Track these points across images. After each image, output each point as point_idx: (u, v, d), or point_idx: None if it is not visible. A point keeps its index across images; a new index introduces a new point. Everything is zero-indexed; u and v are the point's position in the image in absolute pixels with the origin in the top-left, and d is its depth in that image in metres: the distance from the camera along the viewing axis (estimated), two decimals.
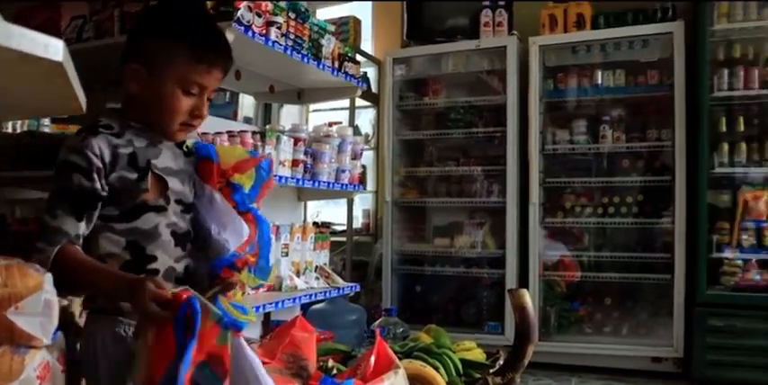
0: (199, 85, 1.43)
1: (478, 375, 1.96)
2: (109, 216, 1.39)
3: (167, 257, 1.43)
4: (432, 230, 4.80)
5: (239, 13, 2.42)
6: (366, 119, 5.50)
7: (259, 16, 2.55)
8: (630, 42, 4.14)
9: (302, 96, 3.62)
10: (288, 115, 4.70)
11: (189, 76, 1.41)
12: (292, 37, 2.82)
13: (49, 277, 1.11)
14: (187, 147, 1.54)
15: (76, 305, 2.17)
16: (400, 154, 4.73)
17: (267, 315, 3.02)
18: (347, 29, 4.88)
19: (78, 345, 1.43)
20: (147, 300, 1.19)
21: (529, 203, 4.21)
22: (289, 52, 2.77)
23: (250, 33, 2.47)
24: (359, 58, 3.98)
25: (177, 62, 1.40)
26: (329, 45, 3.14)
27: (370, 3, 5.39)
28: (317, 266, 3.18)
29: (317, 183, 3.01)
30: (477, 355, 2.19)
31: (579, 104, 4.39)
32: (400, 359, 1.70)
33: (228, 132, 2.62)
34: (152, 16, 1.55)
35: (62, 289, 1.33)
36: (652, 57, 4.14)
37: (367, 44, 5.37)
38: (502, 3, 4.41)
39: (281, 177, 2.71)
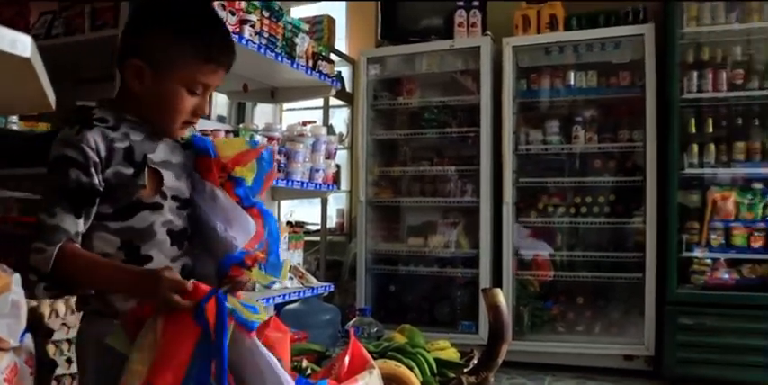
0: (204, 84, 1.39)
1: (453, 375, 1.96)
2: (103, 214, 1.33)
3: (163, 257, 1.37)
4: (406, 230, 4.80)
5: None
6: (340, 118, 5.49)
7: (232, 14, 2.53)
8: (602, 44, 4.19)
9: (276, 95, 3.60)
10: (261, 114, 4.67)
11: (196, 76, 1.36)
12: (266, 35, 2.81)
13: (17, 278, 1.08)
14: (183, 138, 1.48)
15: (45, 306, 2.14)
16: (374, 153, 4.72)
17: None
18: (321, 28, 4.87)
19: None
20: (168, 291, 1.17)
21: (502, 203, 4.23)
22: (262, 51, 2.76)
23: None
24: (333, 57, 3.98)
25: (185, 62, 1.35)
26: (303, 44, 3.13)
27: (344, 2, 5.38)
28: (291, 266, 3.17)
29: (290, 183, 2.99)
30: (452, 355, 2.19)
31: (552, 105, 4.42)
32: (375, 359, 1.69)
33: (201, 131, 2.59)
34: (156, 10, 1.44)
35: (63, 289, 1.31)
36: (624, 58, 4.19)
37: (341, 43, 5.37)
38: (476, 3, 4.43)
39: None
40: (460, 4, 4.44)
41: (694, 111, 3.95)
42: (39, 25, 2.81)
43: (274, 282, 1.53)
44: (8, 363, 1.08)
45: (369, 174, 4.67)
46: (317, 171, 3.21)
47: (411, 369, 1.89)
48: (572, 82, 4.29)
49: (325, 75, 3.33)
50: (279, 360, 1.29)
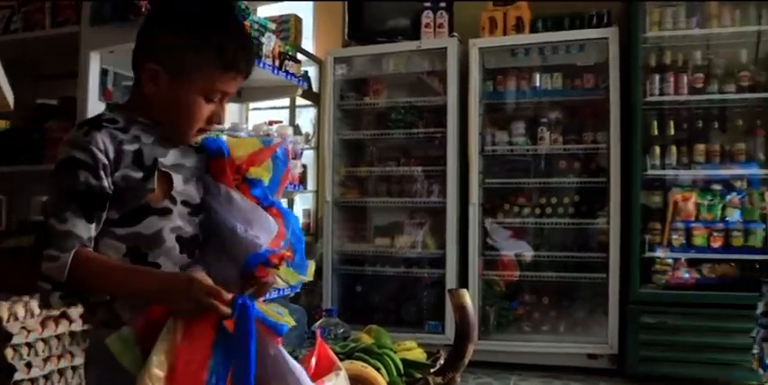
0: (222, 92, 1.34)
1: (419, 375, 1.96)
2: (108, 219, 1.27)
3: (171, 264, 1.29)
4: (372, 230, 4.79)
5: None
6: (306, 118, 5.46)
7: None
8: (567, 46, 4.23)
9: (242, 94, 3.57)
10: (227, 114, 4.61)
11: (214, 84, 1.31)
12: None
13: None
14: (196, 142, 1.41)
15: (4, 309, 2.09)
16: (341, 154, 4.71)
17: None
18: (288, 27, 4.83)
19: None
20: (205, 296, 1.14)
21: (469, 204, 4.25)
22: None
23: None
24: (300, 56, 3.95)
25: (204, 70, 1.29)
26: (270, 43, 3.10)
27: (311, 2, 5.36)
28: None
29: None
30: (418, 355, 2.19)
31: (518, 106, 4.46)
32: (341, 360, 1.69)
33: None
34: (174, 12, 1.36)
35: (79, 296, 1.26)
36: (588, 61, 4.24)
37: (308, 43, 5.33)
38: (443, 4, 4.44)
39: None
40: (427, 4, 4.44)
41: (657, 113, 4.02)
42: None
43: (302, 282, 1.47)
44: None
45: (335, 175, 4.65)
46: None
47: (378, 370, 1.88)
48: (537, 84, 4.33)
49: (292, 74, 3.31)
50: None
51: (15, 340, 2.08)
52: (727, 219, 3.82)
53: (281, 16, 4.85)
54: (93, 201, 1.24)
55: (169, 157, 1.33)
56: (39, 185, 2.75)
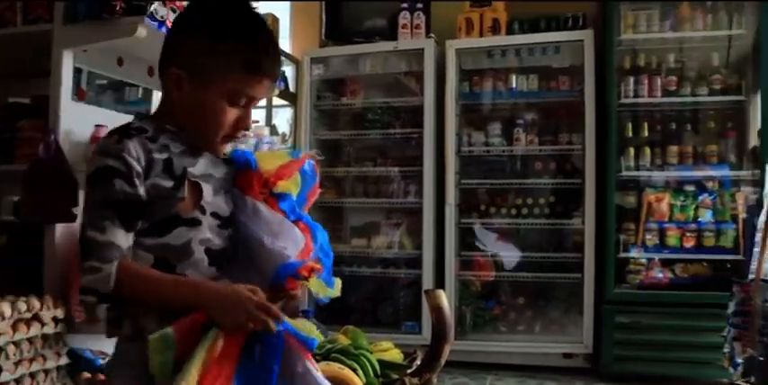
0: (248, 96, 1.31)
1: (396, 376, 1.97)
2: (138, 229, 1.25)
3: (199, 277, 1.26)
4: (349, 230, 4.78)
5: (153, 8, 2.34)
6: (283, 118, 5.43)
7: (173, 11, 2.47)
8: (543, 48, 4.27)
9: None
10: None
11: (239, 88, 1.28)
12: None
13: None
14: (225, 154, 1.40)
15: None
16: (318, 154, 4.68)
17: None
18: None
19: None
20: (260, 311, 1.14)
21: (445, 204, 4.26)
22: None
23: (164, 29, 2.39)
24: None
25: (228, 74, 1.27)
26: None
27: (288, 2, 5.33)
28: None
29: None
30: (395, 356, 2.19)
31: (494, 107, 4.48)
32: (318, 361, 1.68)
33: None
34: (197, 16, 1.35)
35: (124, 308, 1.24)
36: (564, 63, 4.27)
37: (285, 43, 5.31)
38: (420, 5, 4.44)
39: None
40: (404, 5, 4.45)
41: (631, 115, 4.06)
42: None
43: (330, 297, 1.43)
44: None
45: None
46: None
47: (354, 371, 1.88)
48: (514, 85, 4.35)
49: None
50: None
51: (1, 340, 2.04)
52: (699, 219, 3.87)
53: None
54: (131, 210, 1.22)
55: (198, 167, 1.31)
56: (10, 185, 2.70)
